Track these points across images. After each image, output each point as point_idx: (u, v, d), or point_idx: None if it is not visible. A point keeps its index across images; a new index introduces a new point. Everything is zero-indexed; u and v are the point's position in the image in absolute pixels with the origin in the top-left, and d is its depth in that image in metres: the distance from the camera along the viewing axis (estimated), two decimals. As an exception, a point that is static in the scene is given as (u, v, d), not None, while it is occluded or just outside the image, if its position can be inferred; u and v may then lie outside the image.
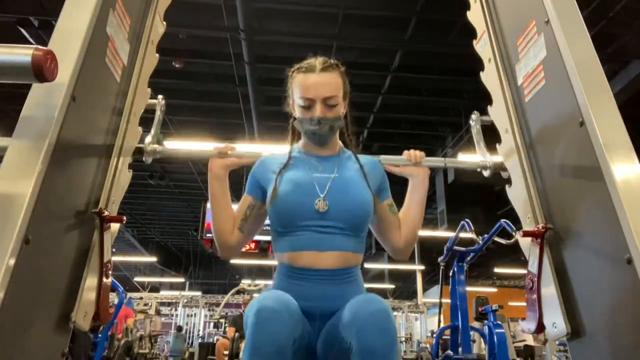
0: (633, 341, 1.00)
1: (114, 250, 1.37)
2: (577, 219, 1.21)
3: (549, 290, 1.26)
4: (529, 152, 1.45)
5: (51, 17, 5.26)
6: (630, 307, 1.01)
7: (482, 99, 1.73)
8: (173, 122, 7.88)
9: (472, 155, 7.48)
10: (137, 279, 17.39)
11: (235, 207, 1.46)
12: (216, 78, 7.14)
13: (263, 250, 7.29)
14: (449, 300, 3.99)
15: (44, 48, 0.96)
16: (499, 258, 13.81)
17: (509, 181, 1.52)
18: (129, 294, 10.82)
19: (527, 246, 1.36)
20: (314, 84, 1.31)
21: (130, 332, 7.17)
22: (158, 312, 11.97)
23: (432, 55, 6.65)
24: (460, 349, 3.78)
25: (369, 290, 1.33)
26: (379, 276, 17.46)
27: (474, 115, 1.67)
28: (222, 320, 10.77)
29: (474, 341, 4.58)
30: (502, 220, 2.86)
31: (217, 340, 8.24)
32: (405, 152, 1.47)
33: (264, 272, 16.23)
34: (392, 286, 16.78)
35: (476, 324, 4.43)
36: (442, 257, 4.06)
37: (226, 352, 6.02)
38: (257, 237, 8.37)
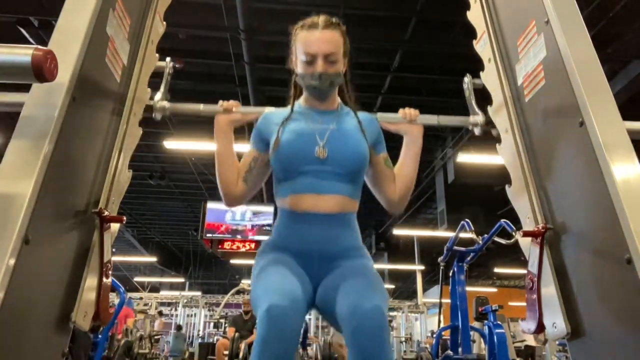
0: (633, 341, 1.00)
1: (114, 250, 1.37)
2: (577, 219, 1.21)
3: (549, 290, 1.26)
4: (529, 152, 1.45)
5: (51, 17, 5.26)
6: (630, 307, 1.01)
7: (482, 99, 1.73)
8: (173, 122, 7.87)
9: (471, 155, 7.49)
10: (137, 279, 17.39)
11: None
12: (216, 78, 7.14)
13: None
14: (449, 300, 3.99)
15: (44, 48, 0.96)
16: (499, 258, 13.82)
17: (498, 140, 1.57)
18: (129, 294, 10.82)
19: (527, 246, 1.36)
20: (317, 40, 1.37)
21: (130, 333, 7.16)
22: (160, 313, 11.97)
23: (432, 55, 6.65)
24: (460, 349, 3.78)
25: None
26: (379, 276, 17.40)
27: (467, 78, 1.73)
28: (222, 320, 10.79)
29: (474, 341, 4.58)
30: (502, 220, 2.87)
31: (217, 340, 8.23)
32: (401, 110, 1.53)
33: (264, 272, 16.15)
34: (392, 286, 16.78)
35: (476, 324, 4.43)
36: (442, 257, 4.06)
37: (226, 352, 6.02)
38: (257, 237, 8.37)
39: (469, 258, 3.85)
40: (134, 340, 7.05)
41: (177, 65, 1.71)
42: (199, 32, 6.18)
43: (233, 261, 12.91)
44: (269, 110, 1.52)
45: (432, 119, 1.62)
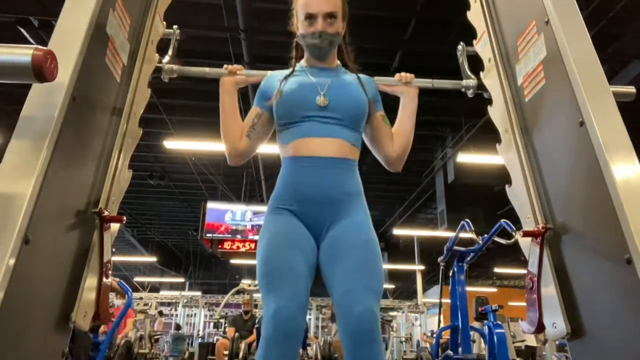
0: (633, 341, 1.00)
1: (114, 250, 1.37)
2: (577, 219, 1.21)
3: (549, 290, 1.26)
4: (528, 152, 1.45)
5: (51, 17, 5.25)
6: (630, 307, 1.01)
7: (482, 99, 1.73)
8: (173, 122, 7.87)
9: (471, 155, 7.48)
10: (137, 279, 17.37)
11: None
12: (216, 78, 7.12)
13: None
14: (449, 300, 3.99)
15: (44, 48, 0.96)
16: (499, 258, 13.81)
17: (490, 102, 1.62)
18: (129, 294, 10.78)
19: (527, 246, 1.36)
20: (317, 0, 1.43)
21: (134, 331, 7.16)
22: (161, 314, 11.95)
23: (432, 55, 6.64)
24: (460, 349, 3.78)
25: None
26: (379, 276, 17.39)
27: (460, 46, 1.82)
28: (222, 321, 10.77)
29: (474, 341, 4.58)
30: (502, 220, 2.86)
31: (217, 340, 8.23)
32: (397, 74, 1.60)
33: (264, 272, 16.15)
34: (392, 286, 16.77)
35: (476, 324, 4.42)
36: (442, 257, 4.05)
37: (226, 352, 6.01)
38: (257, 237, 8.36)
39: (469, 258, 3.85)
40: (134, 340, 7.05)
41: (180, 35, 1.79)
42: (199, 32, 6.18)
43: (233, 261, 12.90)
44: (271, 72, 1.59)
45: (427, 83, 1.68)
